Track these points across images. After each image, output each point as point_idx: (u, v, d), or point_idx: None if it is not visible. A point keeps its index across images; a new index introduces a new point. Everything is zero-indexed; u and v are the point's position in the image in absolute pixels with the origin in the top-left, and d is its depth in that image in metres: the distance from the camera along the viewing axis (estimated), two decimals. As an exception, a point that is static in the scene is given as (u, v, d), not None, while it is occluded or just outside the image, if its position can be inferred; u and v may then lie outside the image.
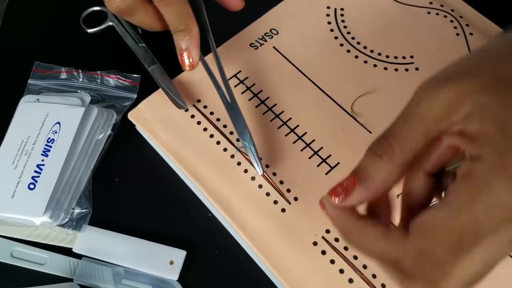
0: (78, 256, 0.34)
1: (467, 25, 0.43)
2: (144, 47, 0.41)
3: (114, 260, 0.34)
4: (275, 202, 0.34)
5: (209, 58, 0.38)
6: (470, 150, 0.20)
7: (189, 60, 0.34)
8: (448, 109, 0.21)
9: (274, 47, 0.41)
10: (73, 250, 0.34)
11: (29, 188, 0.34)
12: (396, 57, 0.41)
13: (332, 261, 0.32)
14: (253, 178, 0.35)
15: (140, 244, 0.34)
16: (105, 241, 0.34)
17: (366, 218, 0.23)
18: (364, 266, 0.32)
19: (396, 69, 0.40)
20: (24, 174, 0.35)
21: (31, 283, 0.32)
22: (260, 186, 0.35)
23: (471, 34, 0.43)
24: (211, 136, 0.37)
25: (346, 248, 0.33)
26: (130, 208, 0.36)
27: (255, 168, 0.34)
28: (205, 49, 0.36)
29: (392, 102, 0.38)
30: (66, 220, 0.34)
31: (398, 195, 0.34)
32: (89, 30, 0.43)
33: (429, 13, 0.44)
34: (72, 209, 0.35)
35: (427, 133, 0.21)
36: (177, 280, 0.33)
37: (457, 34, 0.43)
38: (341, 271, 0.32)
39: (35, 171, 0.35)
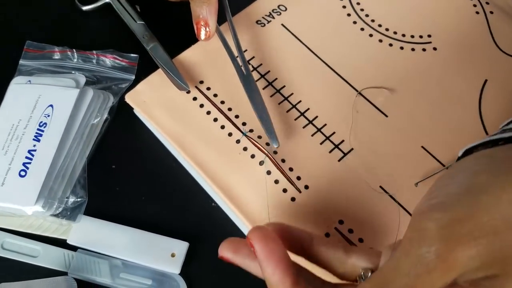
0: (73, 248, 0.32)
1: (487, 3, 0.41)
2: (142, 24, 0.38)
3: (111, 252, 0.32)
4: (285, 190, 0.32)
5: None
6: None
7: (206, 29, 0.33)
8: (475, 269, 0.19)
9: (282, 25, 0.38)
10: (68, 241, 0.32)
11: (20, 175, 0.32)
12: (412, 36, 0.38)
13: (346, 254, 0.30)
14: (261, 163, 0.33)
15: (139, 235, 0.32)
16: (102, 232, 0.32)
17: None
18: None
19: (413, 49, 0.38)
20: (15, 160, 0.32)
21: (23, 276, 0.31)
22: (269, 173, 0.32)
23: (491, 12, 0.40)
24: (215, 120, 0.34)
25: (361, 240, 0.30)
26: (128, 197, 0.34)
27: (270, 142, 0.32)
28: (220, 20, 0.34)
29: (408, 83, 0.36)
30: (60, 209, 0.32)
31: (416, 183, 0.32)
32: (84, 8, 0.41)
33: (447, -11, 0.41)
34: (66, 198, 0.33)
35: None
36: (179, 274, 0.31)
37: (477, 13, 0.40)
38: (356, 264, 0.30)
39: (27, 157, 0.32)
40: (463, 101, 0.36)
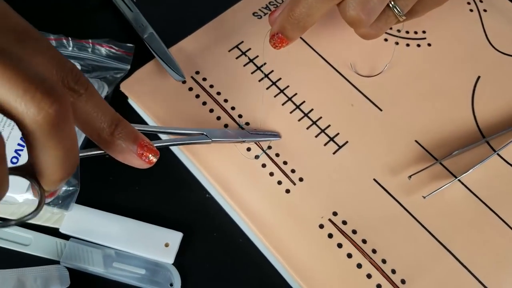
0: (66, 237, 0.32)
1: (481, 1, 0.41)
2: (138, 13, 0.38)
3: (104, 241, 0.32)
4: (279, 182, 0.32)
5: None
6: None
7: (150, 157, 0.25)
8: None
9: (279, 17, 0.38)
10: (60, 230, 0.32)
11: (12, 162, 0.31)
12: (407, 32, 0.39)
13: (340, 245, 0.30)
14: (256, 157, 0.33)
15: (133, 225, 0.32)
16: (95, 221, 0.32)
17: None
18: (374, 251, 0.30)
19: (407, 44, 0.38)
20: (7, 147, 0.32)
21: (15, 265, 0.30)
22: (264, 166, 0.32)
23: (485, 10, 0.41)
24: (211, 110, 0.34)
25: (354, 232, 0.31)
26: (122, 187, 0.34)
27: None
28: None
29: (403, 78, 0.36)
30: (52, 198, 0.32)
31: (410, 176, 0.32)
32: (80, -4, 0.40)
33: (442, -13, 0.41)
34: (59, 186, 0.32)
35: None
36: (172, 264, 0.31)
37: (471, 10, 0.41)
38: (349, 255, 0.30)
39: (19, 144, 0.32)
40: (457, 97, 0.36)
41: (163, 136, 0.34)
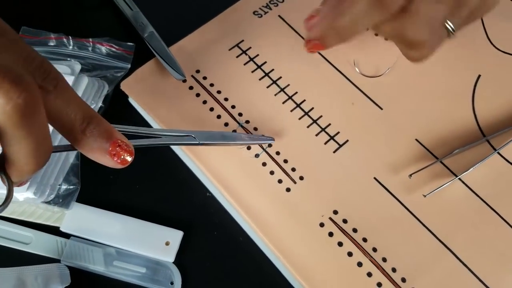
0: (66, 236, 0.32)
1: None
2: (138, 12, 0.38)
3: (105, 240, 0.32)
4: (280, 181, 0.32)
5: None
6: None
7: (122, 157, 0.23)
8: None
9: (279, 16, 0.38)
10: (61, 229, 0.32)
11: None
12: (408, 31, 0.39)
13: (340, 244, 0.30)
14: (257, 155, 0.33)
15: (134, 224, 0.32)
16: (96, 220, 0.32)
17: None
18: (374, 249, 0.30)
19: (408, 43, 0.38)
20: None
21: (15, 263, 0.30)
22: (264, 164, 0.32)
23: (485, 9, 0.40)
24: (211, 109, 0.34)
25: (355, 230, 0.31)
26: (122, 185, 0.34)
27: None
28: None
29: (404, 77, 0.36)
30: (52, 196, 0.32)
31: (410, 175, 0.32)
32: (80, -5, 0.40)
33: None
34: (59, 185, 0.32)
35: None
36: (173, 262, 0.31)
37: (471, 9, 0.40)
38: (350, 254, 0.30)
39: (19, 144, 0.32)
40: (457, 96, 0.36)
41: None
